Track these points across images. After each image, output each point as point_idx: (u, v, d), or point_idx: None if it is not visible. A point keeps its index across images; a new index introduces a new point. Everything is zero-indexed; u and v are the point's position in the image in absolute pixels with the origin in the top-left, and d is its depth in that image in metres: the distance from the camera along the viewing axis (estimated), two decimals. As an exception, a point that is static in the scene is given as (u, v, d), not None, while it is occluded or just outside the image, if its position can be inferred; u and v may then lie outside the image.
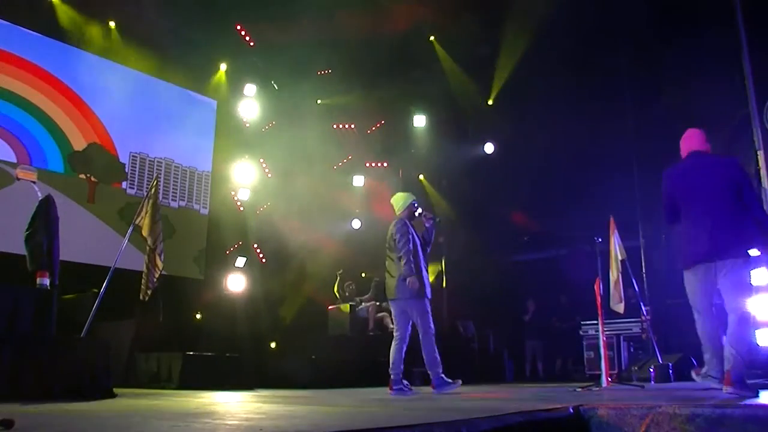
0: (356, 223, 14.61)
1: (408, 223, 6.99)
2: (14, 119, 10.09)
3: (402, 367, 6.81)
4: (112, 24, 11.31)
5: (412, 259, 6.72)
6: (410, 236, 6.85)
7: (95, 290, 9.24)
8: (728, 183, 4.97)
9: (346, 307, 11.51)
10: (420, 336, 6.81)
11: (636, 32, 11.98)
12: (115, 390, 5.93)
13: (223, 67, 13.14)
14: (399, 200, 7.22)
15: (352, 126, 14.67)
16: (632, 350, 10.77)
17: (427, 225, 7.26)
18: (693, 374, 5.32)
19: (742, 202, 4.95)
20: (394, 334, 7.01)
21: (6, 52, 10.07)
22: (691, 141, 5.37)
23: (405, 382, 6.89)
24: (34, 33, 10.45)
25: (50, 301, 6.43)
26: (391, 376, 6.81)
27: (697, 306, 5.13)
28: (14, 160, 9.86)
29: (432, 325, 6.77)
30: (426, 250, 7.18)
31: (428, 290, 6.89)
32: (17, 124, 10.11)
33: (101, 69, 11.23)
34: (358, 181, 14.63)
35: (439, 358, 6.73)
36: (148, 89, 11.91)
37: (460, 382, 6.75)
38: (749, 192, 5.02)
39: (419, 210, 7.20)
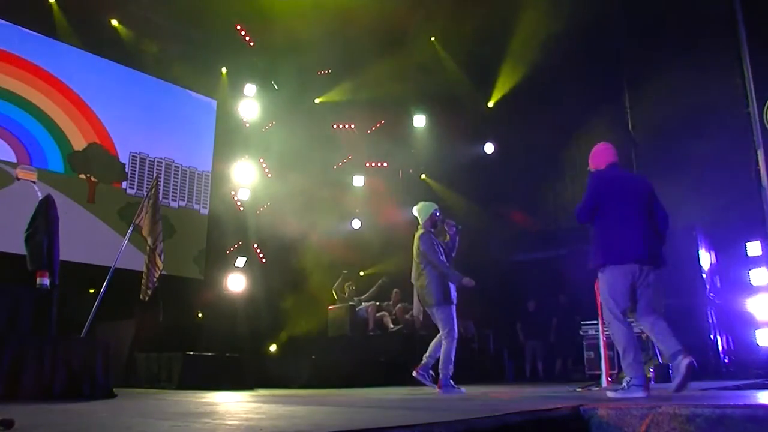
0: (356, 223, 14.62)
1: (432, 233, 7.22)
2: (14, 119, 10.08)
3: (450, 367, 6.95)
4: (114, 22, 11.29)
5: (445, 270, 6.99)
6: (436, 247, 7.09)
7: (91, 290, 9.29)
8: (647, 195, 5.40)
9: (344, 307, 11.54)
10: (442, 338, 7.03)
11: (636, 33, 12.00)
12: (115, 390, 5.94)
13: (223, 67, 13.13)
14: (422, 211, 7.39)
15: (352, 126, 14.67)
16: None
17: (450, 233, 7.42)
18: (610, 393, 5.23)
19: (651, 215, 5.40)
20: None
21: (6, 52, 10.07)
22: (609, 153, 5.62)
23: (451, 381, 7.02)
24: (34, 33, 10.44)
25: (50, 301, 6.44)
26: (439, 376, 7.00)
27: (620, 305, 5.17)
28: (14, 160, 9.86)
29: (455, 332, 6.98)
30: (451, 256, 7.32)
31: (453, 296, 7.09)
32: (17, 124, 10.11)
33: (101, 69, 11.23)
34: (358, 181, 14.63)
35: (452, 362, 6.93)
36: (148, 89, 11.90)
37: (464, 390, 6.85)
38: (660, 206, 5.46)
39: (441, 219, 7.39)
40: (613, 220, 5.28)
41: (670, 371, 9.30)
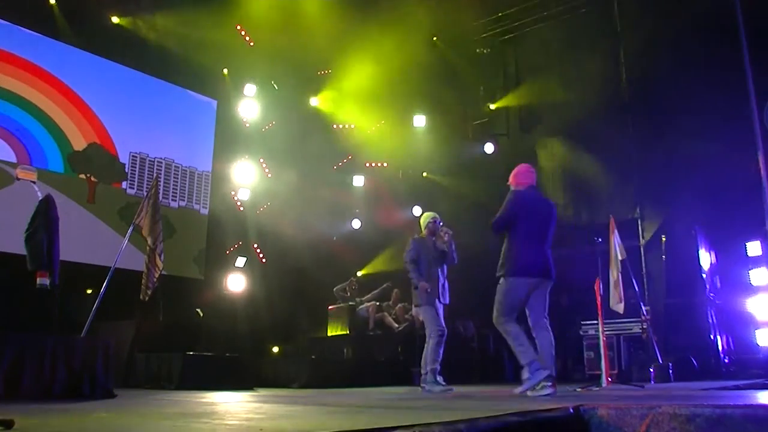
0: (356, 223, 14.62)
1: (423, 239, 7.65)
2: (14, 119, 10.08)
3: (436, 364, 7.24)
4: (114, 21, 11.27)
5: (412, 270, 7.45)
6: (413, 251, 7.53)
7: (89, 291, 9.29)
8: (551, 217, 6.11)
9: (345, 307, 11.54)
10: (427, 337, 7.39)
11: (635, 32, 11.99)
12: (115, 390, 5.94)
13: (223, 67, 13.12)
14: (422, 221, 7.87)
15: (352, 126, 14.66)
16: (632, 350, 10.76)
17: (446, 238, 7.64)
18: (517, 391, 5.86)
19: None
20: None
21: (6, 52, 10.06)
22: (530, 175, 6.24)
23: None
24: (34, 33, 10.43)
25: (50, 301, 6.44)
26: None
27: (515, 310, 5.85)
28: (14, 160, 9.86)
29: (434, 331, 7.26)
30: (447, 260, 7.69)
31: (443, 297, 7.51)
32: (17, 124, 10.10)
33: (101, 69, 11.23)
34: (358, 181, 14.64)
35: (438, 360, 7.22)
36: (148, 89, 11.90)
37: (453, 388, 7.03)
38: (554, 227, 6.15)
39: (440, 226, 7.71)
40: (521, 237, 5.90)
41: (671, 371, 9.35)
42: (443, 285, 7.59)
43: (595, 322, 8.70)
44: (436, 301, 7.42)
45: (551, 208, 6.22)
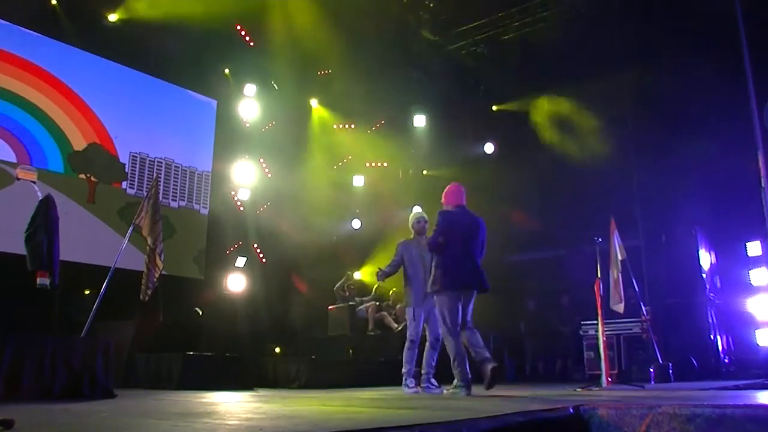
0: (356, 223, 14.62)
1: (405, 241, 7.75)
2: (14, 119, 10.07)
3: (409, 366, 7.42)
4: (114, 21, 11.23)
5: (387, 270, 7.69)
6: (398, 254, 7.64)
7: (87, 291, 9.28)
8: (480, 233, 6.68)
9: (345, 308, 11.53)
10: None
11: (635, 33, 11.98)
12: (115, 390, 5.94)
13: (224, 67, 13.11)
14: (409, 220, 7.90)
15: (353, 126, 14.67)
16: (632, 350, 10.77)
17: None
18: (444, 391, 6.55)
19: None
20: None
21: (5, 52, 10.05)
22: (459, 195, 6.77)
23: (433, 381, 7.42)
24: (34, 33, 10.42)
25: (50, 301, 6.44)
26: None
27: (456, 321, 6.39)
28: (14, 160, 9.85)
29: (410, 333, 7.44)
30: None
31: (418, 299, 7.40)
32: (17, 124, 10.09)
33: (101, 69, 11.21)
34: (358, 180, 14.64)
35: (407, 363, 7.40)
36: (147, 89, 11.88)
37: (419, 391, 7.13)
38: (484, 241, 6.77)
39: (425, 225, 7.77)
40: (451, 254, 6.44)
41: (671, 371, 9.35)
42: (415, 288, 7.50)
43: (595, 322, 8.69)
44: (421, 304, 7.38)
45: (479, 223, 6.73)
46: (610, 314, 9.07)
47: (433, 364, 7.37)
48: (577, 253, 11.72)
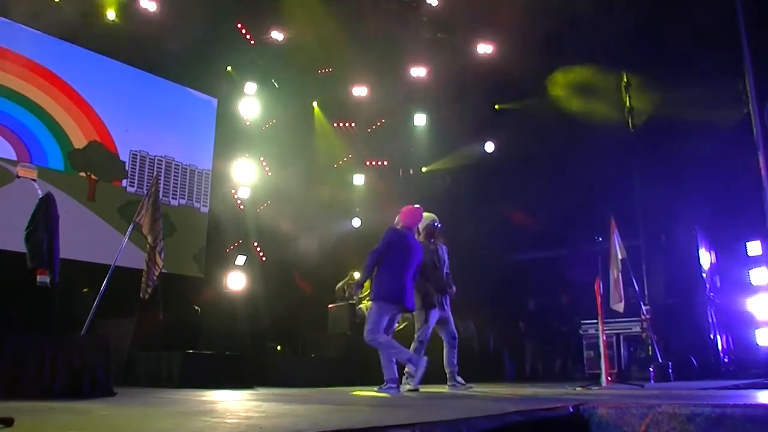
0: (356, 222, 14.62)
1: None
2: (14, 117, 10.06)
3: (452, 366, 7.58)
4: (113, 19, 11.19)
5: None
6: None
7: (85, 290, 9.27)
8: (419, 257, 7.11)
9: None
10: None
11: (636, 32, 11.97)
12: (115, 388, 5.94)
13: (223, 65, 13.11)
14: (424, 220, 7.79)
15: (353, 124, 14.66)
16: (632, 350, 10.77)
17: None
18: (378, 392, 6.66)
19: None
20: None
21: (5, 50, 10.05)
22: (415, 218, 7.25)
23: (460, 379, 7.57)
24: (34, 30, 10.40)
25: (50, 299, 6.44)
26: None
27: (382, 327, 6.75)
28: (14, 158, 9.85)
29: (419, 335, 7.43)
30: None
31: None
32: (17, 122, 10.09)
33: (101, 66, 11.20)
34: (359, 179, 14.63)
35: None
36: (148, 87, 11.87)
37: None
38: (418, 268, 7.15)
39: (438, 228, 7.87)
40: (391, 270, 6.82)
41: (670, 371, 9.36)
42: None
43: (595, 321, 8.70)
44: (435, 306, 7.48)
45: (419, 249, 7.13)
46: (610, 314, 9.07)
47: (455, 362, 7.50)
48: (576, 252, 11.71)
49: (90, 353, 5.89)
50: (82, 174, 10.81)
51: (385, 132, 14.69)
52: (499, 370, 12.75)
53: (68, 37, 10.72)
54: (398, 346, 6.74)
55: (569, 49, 12.54)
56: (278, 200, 12.96)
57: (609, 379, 8.18)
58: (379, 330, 6.71)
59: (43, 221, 6.56)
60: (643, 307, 10.25)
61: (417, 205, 7.34)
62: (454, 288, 7.75)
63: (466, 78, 14.52)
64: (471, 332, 12.31)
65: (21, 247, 6.51)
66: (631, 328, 10.76)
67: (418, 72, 14.13)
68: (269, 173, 13.37)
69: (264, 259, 13.05)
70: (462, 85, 14.60)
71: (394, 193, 14.41)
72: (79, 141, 10.81)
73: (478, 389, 7.12)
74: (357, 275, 12.57)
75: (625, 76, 12.46)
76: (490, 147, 14.96)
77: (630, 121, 12.52)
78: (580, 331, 11.36)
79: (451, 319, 7.67)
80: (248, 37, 13.21)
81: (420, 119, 14.81)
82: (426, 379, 6.89)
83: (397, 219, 7.13)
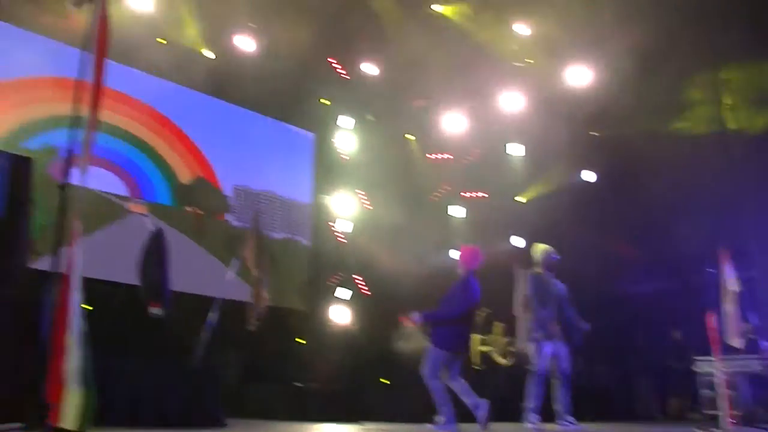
0: (454, 254, 14.47)
1: (536, 275, 7.65)
2: (124, 154, 10.42)
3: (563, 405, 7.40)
4: (210, 54, 11.47)
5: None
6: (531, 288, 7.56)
7: (198, 320, 9.44)
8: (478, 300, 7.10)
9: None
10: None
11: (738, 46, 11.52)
12: (225, 419, 5.98)
13: (320, 100, 13.30)
14: (536, 252, 7.82)
15: (449, 156, 14.59)
16: (755, 389, 10.13)
17: None
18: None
19: None
20: None
21: (115, 91, 10.42)
22: (476, 260, 7.14)
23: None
24: (140, 72, 10.68)
25: (162, 330, 6.59)
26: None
27: (436, 374, 6.86)
28: (126, 194, 10.19)
29: (536, 368, 7.33)
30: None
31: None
32: (127, 159, 10.44)
33: (203, 105, 11.55)
34: (456, 211, 14.52)
35: (534, 398, 7.30)
36: (247, 123, 12.17)
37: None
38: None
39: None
40: (457, 316, 6.86)
41: None
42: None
43: (711, 358, 8.27)
44: (549, 339, 7.37)
45: (478, 291, 7.01)
46: (727, 350, 8.60)
47: (566, 402, 7.33)
48: (686, 284, 11.26)
49: (201, 384, 5.96)
50: (189, 208, 11.08)
51: (480, 162, 14.55)
52: (608, 407, 12.24)
53: (170, 77, 11.02)
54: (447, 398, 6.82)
55: (668, 68, 12.12)
56: (378, 233, 12.97)
57: (733, 421, 7.72)
58: (435, 374, 6.83)
59: (155, 255, 6.76)
60: (763, 343, 9.66)
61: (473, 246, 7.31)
62: (584, 324, 7.70)
63: (562, 105, 14.27)
64: (579, 368, 11.88)
65: (134, 279, 6.69)
66: (750, 366, 10.13)
67: (513, 100, 13.94)
68: (369, 207, 13.42)
69: (366, 292, 13.04)
70: (558, 113, 14.35)
71: (491, 225, 14.23)
72: (184, 176, 11.13)
73: (593, 428, 6.84)
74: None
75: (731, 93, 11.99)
76: (590, 176, 14.59)
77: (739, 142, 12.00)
78: (695, 368, 10.79)
79: (566, 355, 7.43)
80: (341, 71, 13.37)
81: (516, 149, 14.61)
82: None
83: (462, 268, 7.08)
